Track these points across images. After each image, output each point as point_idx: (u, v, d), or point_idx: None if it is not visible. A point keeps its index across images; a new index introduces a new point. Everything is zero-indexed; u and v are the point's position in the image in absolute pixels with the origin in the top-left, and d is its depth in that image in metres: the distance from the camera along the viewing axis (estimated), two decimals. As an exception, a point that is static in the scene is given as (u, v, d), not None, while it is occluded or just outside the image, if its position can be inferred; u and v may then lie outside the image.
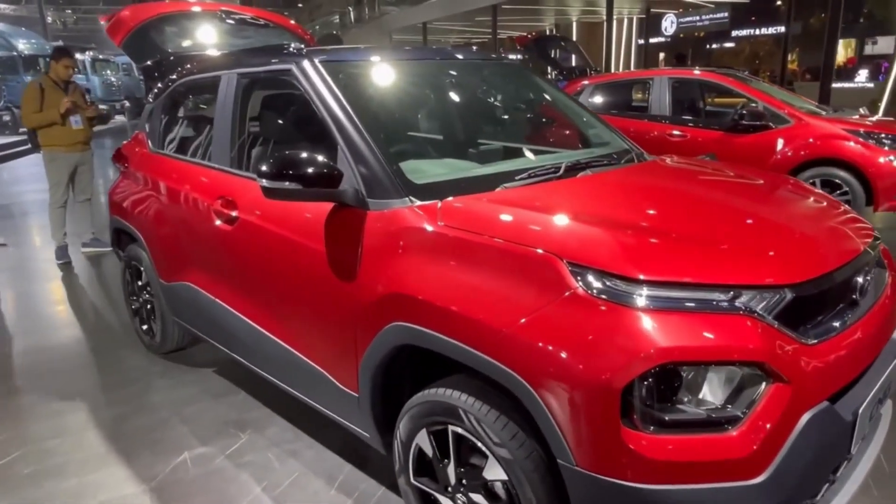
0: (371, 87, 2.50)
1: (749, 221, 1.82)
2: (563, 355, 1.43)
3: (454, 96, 2.99)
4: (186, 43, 3.80)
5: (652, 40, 24.58)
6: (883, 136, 5.51)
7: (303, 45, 2.51)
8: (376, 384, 1.96)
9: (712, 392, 1.43)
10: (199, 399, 3.08)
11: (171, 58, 3.70)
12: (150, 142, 3.38)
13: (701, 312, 1.43)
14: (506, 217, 1.76)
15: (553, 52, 8.25)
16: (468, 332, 1.61)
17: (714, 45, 35.96)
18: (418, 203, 1.89)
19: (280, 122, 2.75)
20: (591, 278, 1.48)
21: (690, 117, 6.59)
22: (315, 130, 2.29)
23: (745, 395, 1.42)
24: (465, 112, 3.04)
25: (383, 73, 2.53)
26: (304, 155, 1.97)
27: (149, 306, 3.47)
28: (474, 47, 3.67)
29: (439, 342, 1.68)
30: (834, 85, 17.25)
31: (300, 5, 45.70)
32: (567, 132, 3.07)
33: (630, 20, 23.73)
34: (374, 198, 1.96)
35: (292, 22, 4.48)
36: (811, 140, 5.66)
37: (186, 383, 3.25)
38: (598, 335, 1.41)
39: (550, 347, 1.45)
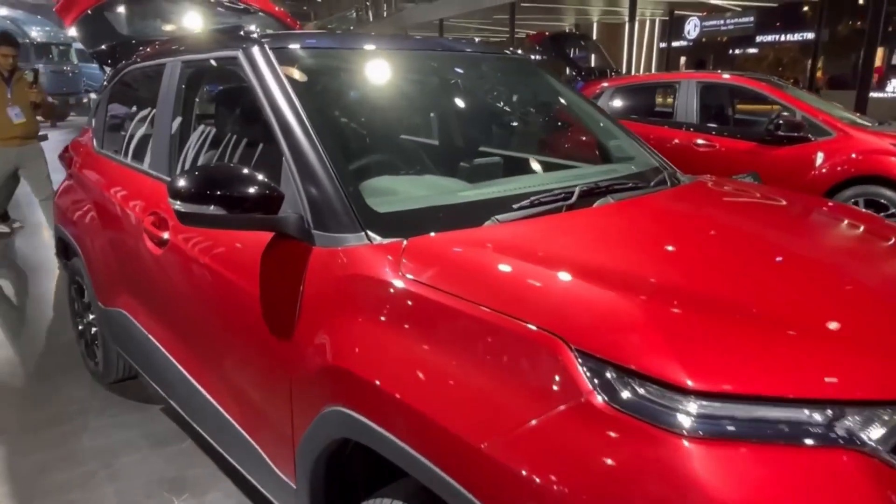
0: (337, 83, 2.01)
1: (847, 287, 1.29)
2: (564, 498, 0.93)
3: (445, 96, 2.48)
4: (149, 27, 3.33)
5: (674, 44, 23.88)
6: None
7: (256, 28, 2.02)
8: (317, 479, 1.46)
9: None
10: (136, 446, 2.60)
11: (133, 42, 3.23)
12: (94, 139, 2.91)
13: (783, 444, 0.91)
14: (493, 270, 1.25)
15: (571, 50, 7.72)
16: (426, 436, 1.11)
17: (737, 51, 35.24)
18: (378, 241, 1.39)
19: (235, 123, 2.26)
20: (612, 379, 0.98)
21: (719, 126, 6.03)
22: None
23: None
24: (457, 116, 2.53)
25: (356, 66, 2.03)
26: (233, 169, 1.49)
27: (93, 330, 3.00)
28: (476, 39, 3.24)
29: (386, 443, 1.19)
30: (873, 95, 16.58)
31: (319, 0, 45.38)
32: (582, 143, 2.54)
33: (652, 22, 23.07)
34: (323, 229, 1.46)
35: (279, 9, 3.99)
36: (855, 155, 5.09)
37: (127, 424, 2.77)
38: (621, 476, 0.91)
39: (545, 483, 0.95)
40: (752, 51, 34.32)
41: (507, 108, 2.77)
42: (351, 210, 1.46)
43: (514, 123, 2.77)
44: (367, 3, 36.40)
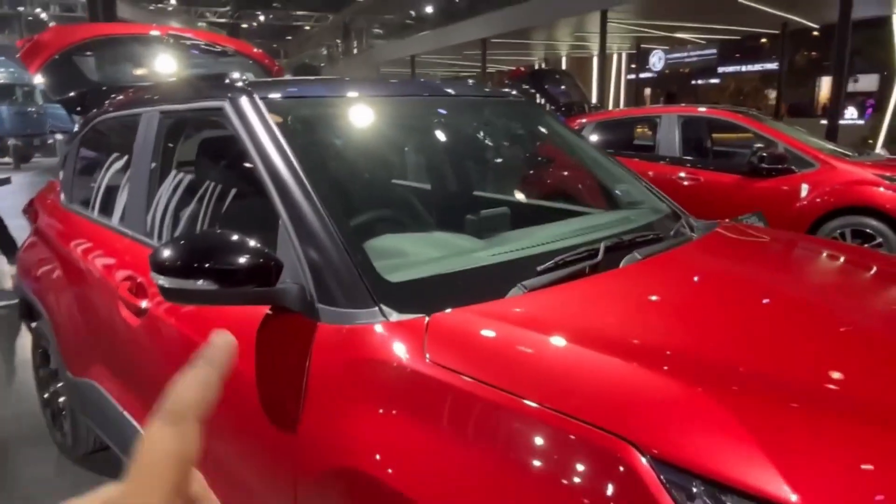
0: (332, 134, 1.86)
1: None
2: None
3: (445, 144, 2.35)
4: (121, 72, 3.16)
5: (640, 76, 24.45)
6: (919, 182, 4.97)
7: (246, 76, 1.87)
8: None
9: None
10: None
11: (103, 89, 3.05)
12: (62, 193, 2.70)
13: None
14: (537, 356, 1.09)
15: (550, 86, 7.76)
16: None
17: (700, 81, 36.21)
18: (395, 317, 1.23)
19: (222, 179, 2.08)
20: (700, 494, 0.82)
21: (701, 158, 6.04)
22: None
23: None
24: (460, 165, 2.39)
25: (350, 114, 1.88)
26: (224, 237, 1.32)
27: (60, 399, 2.74)
28: (471, 81, 3.16)
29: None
30: (823, 122, 17.04)
31: (289, 38, 45.67)
32: (588, 187, 2.43)
33: (619, 55, 23.60)
34: (329, 303, 1.29)
35: (255, 50, 3.86)
36: (840, 186, 5.10)
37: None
38: None
39: None
40: (715, 81, 35.31)
41: (509, 153, 2.65)
42: (361, 280, 1.29)
43: (518, 168, 2.64)
44: (338, 41, 36.77)
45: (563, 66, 23.36)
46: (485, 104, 2.38)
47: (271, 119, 1.60)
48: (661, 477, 0.84)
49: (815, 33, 22.15)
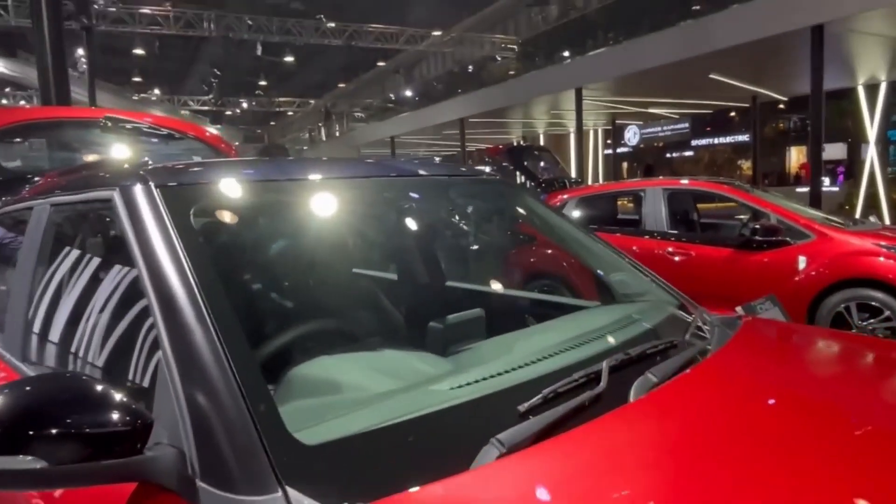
0: (255, 230, 1.48)
1: None
2: None
3: (402, 237, 1.98)
4: (50, 160, 2.82)
5: (615, 150, 24.88)
6: (921, 251, 4.69)
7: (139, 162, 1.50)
8: None
9: None
10: None
11: (29, 177, 2.69)
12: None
13: None
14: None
15: (529, 162, 7.59)
16: None
17: (674, 154, 37.09)
18: (305, 509, 0.81)
19: (106, 288, 1.68)
20: None
21: (690, 232, 5.78)
22: None
23: None
24: (419, 261, 2.02)
25: (281, 203, 1.51)
26: (69, 382, 0.92)
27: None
28: (437, 158, 2.95)
29: None
30: (798, 189, 17.18)
31: (272, 123, 46.53)
32: (579, 277, 2.06)
33: (596, 131, 24.06)
34: (214, 483, 0.87)
35: (210, 132, 3.56)
36: (839, 257, 4.81)
37: None
38: None
39: None
40: (689, 153, 36.19)
41: (487, 243, 2.29)
42: (260, 444, 0.88)
43: (493, 255, 2.28)
44: (320, 125, 37.43)
45: (542, 143, 23.75)
46: (452, 184, 2.02)
47: (168, 213, 1.23)
48: None
49: (782, 105, 22.85)
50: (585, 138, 21.35)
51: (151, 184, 1.30)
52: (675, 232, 5.62)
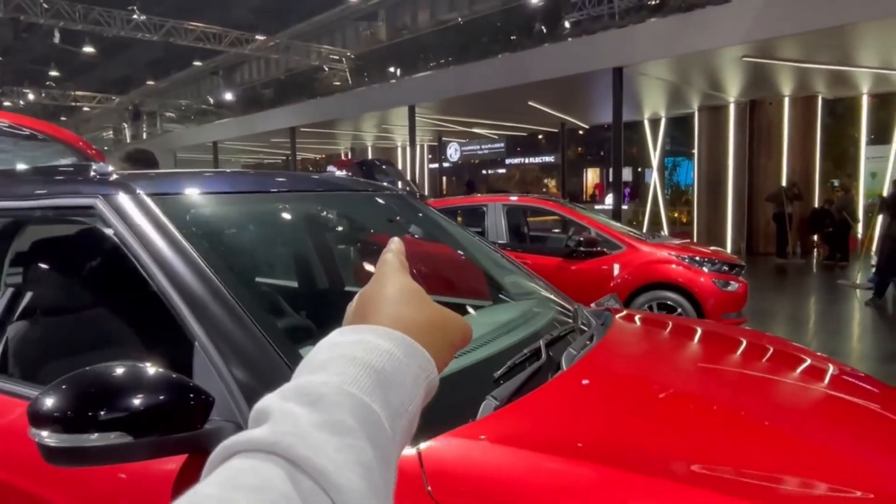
0: (245, 238, 1.62)
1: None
2: None
3: (345, 239, 2.20)
4: None
5: (434, 165, 26.26)
6: (703, 259, 5.84)
7: (97, 166, 1.54)
8: None
9: None
10: None
11: None
12: None
13: None
14: (555, 479, 0.99)
15: (378, 175, 7.90)
16: None
17: (490, 171, 39.74)
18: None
19: (64, 288, 1.68)
20: None
21: (523, 243, 6.50)
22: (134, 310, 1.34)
23: None
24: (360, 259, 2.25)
25: (263, 214, 1.67)
26: (135, 372, 1.04)
27: None
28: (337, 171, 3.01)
29: None
30: (596, 206, 19.61)
31: (63, 118, 41.33)
32: (479, 280, 2.42)
33: (422, 146, 25.12)
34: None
35: (70, 133, 3.37)
36: (644, 265, 5.80)
37: None
38: None
39: None
40: (502, 171, 39.13)
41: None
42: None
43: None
44: (124, 124, 34.17)
45: (369, 155, 24.21)
46: (364, 199, 2.28)
47: (165, 216, 1.35)
48: None
49: (581, 132, 25.80)
50: (411, 152, 22.21)
51: (140, 191, 1.40)
52: (513, 242, 6.30)
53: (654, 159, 15.58)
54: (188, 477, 1.10)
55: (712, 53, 8.91)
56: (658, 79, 10.65)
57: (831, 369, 1.74)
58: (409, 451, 1.04)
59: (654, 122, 15.41)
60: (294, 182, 1.89)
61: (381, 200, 2.40)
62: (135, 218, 1.34)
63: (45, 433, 0.97)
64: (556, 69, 10.40)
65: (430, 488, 0.96)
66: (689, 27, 8.70)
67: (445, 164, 28.79)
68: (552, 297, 2.16)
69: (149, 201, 1.38)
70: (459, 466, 1.03)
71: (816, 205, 12.61)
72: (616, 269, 5.82)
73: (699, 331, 2.10)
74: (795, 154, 12.67)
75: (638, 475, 0.99)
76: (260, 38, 24.47)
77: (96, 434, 0.97)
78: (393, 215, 2.29)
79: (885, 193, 9.12)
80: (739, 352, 1.90)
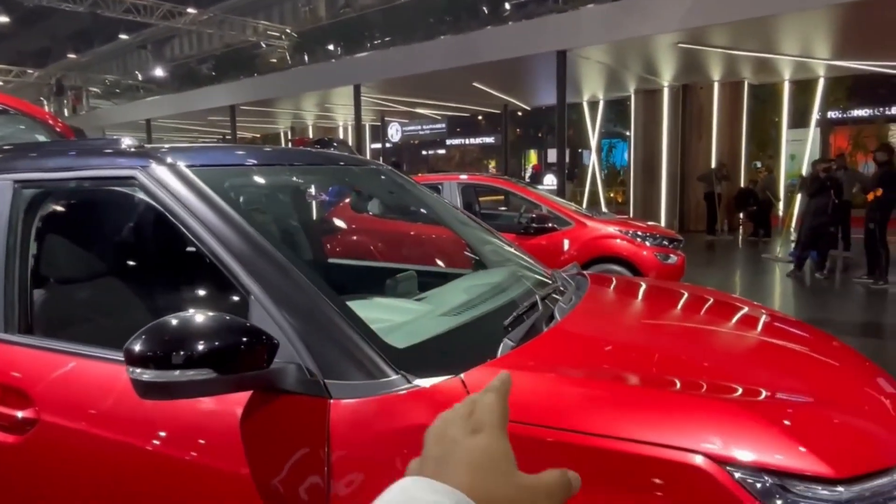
0: (270, 202, 1.76)
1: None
2: None
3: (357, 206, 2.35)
4: None
5: (376, 146, 26.14)
6: (644, 234, 6.24)
7: (133, 141, 1.64)
8: None
9: None
10: None
11: None
12: None
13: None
14: (590, 397, 1.21)
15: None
16: None
17: (430, 152, 39.83)
18: (425, 382, 1.23)
19: (78, 251, 1.76)
20: (771, 486, 1.01)
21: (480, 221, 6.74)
22: (170, 271, 1.47)
23: None
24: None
25: (286, 184, 1.81)
26: (216, 319, 1.18)
27: None
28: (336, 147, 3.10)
29: None
30: (538, 186, 20.09)
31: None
32: (465, 249, 2.62)
33: (364, 126, 24.95)
34: (342, 378, 1.23)
35: (38, 108, 3.33)
36: (591, 240, 6.15)
37: None
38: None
39: None
40: (442, 152, 39.31)
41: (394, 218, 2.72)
42: (371, 349, 1.27)
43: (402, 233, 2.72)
44: (42, 99, 32.24)
45: (310, 135, 23.85)
46: (353, 172, 2.43)
47: (211, 190, 1.48)
48: (736, 477, 1.01)
49: (520, 114, 26.26)
50: (358, 133, 22.06)
51: (180, 162, 1.52)
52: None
53: (593, 140, 16.12)
54: (254, 415, 1.26)
55: (650, 39, 9.35)
56: (598, 62, 11.05)
57: (774, 313, 2.07)
58: (450, 377, 1.23)
59: (593, 105, 15.92)
60: (309, 157, 2.04)
61: (382, 176, 2.56)
62: (177, 186, 1.46)
63: (139, 370, 1.11)
64: (502, 51, 10.63)
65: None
66: (630, 14, 9.09)
67: (388, 145, 28.75)
68: (531, 263, 2.39)
69: (190, 174, 1.50)
70: (519, 391, 1.24)
71: (742, 185, 13.44)
72: (566, 243, 6.14)
73: (665, 287, 2.38)
74: (724, 136, 13.44)
75: (643, 389, 1.22)
76: (192, 11, 23.58)
77: (187, 370, 1.12)
78: (395, 188, 2.47)
79: (803, 174, 9.88)
80: (698, 296, 2.19)
